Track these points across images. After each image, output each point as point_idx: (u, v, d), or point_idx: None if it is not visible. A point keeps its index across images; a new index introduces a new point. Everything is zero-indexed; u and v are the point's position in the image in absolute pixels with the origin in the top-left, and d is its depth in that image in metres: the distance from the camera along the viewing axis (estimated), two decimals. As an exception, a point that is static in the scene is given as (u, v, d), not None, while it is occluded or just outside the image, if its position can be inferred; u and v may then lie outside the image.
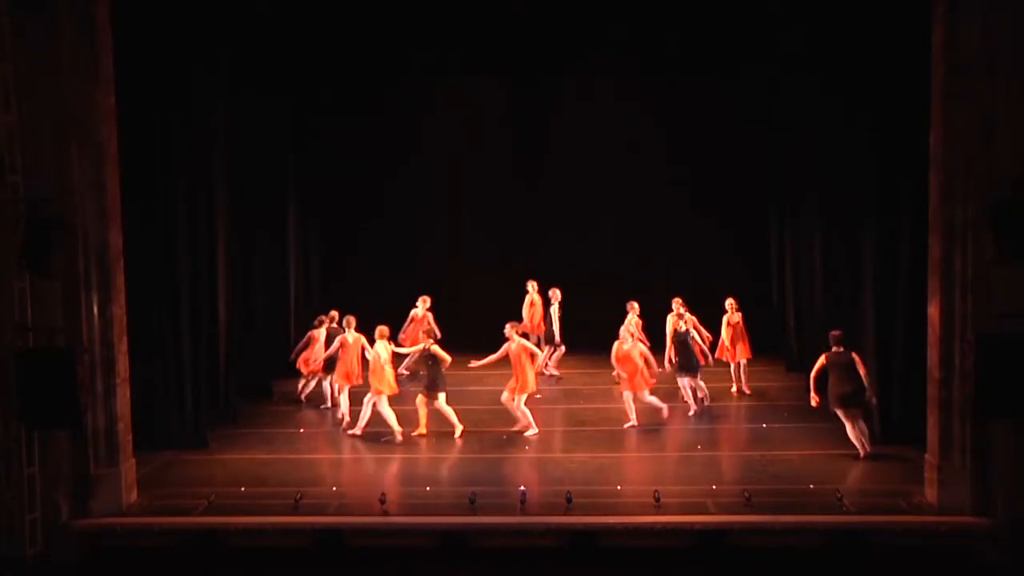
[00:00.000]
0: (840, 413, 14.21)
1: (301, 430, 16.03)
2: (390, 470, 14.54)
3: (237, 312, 16.98)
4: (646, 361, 15.71)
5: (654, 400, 15.87)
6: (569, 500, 12.50)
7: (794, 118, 18.34)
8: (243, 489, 13.35)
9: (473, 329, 18.94)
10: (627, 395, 15.80)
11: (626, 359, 15.65)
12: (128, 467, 12.92)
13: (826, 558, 11.84)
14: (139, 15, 13.42)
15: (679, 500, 12.73)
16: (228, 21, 15.40)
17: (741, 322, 17.53)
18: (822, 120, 16.67)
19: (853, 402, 14.13)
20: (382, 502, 12.52)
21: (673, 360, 16.61)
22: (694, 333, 16.55)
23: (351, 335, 16.11)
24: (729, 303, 17.56)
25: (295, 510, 12.57)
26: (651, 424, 15.92)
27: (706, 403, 16.80)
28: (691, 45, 18.36)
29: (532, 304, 18.96)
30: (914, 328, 13.42)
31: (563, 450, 15.02)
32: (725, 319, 17.51)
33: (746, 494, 12.60)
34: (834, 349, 14.25)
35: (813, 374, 14.42)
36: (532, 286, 19.08)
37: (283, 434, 15.89)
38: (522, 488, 12.80)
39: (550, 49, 18.69)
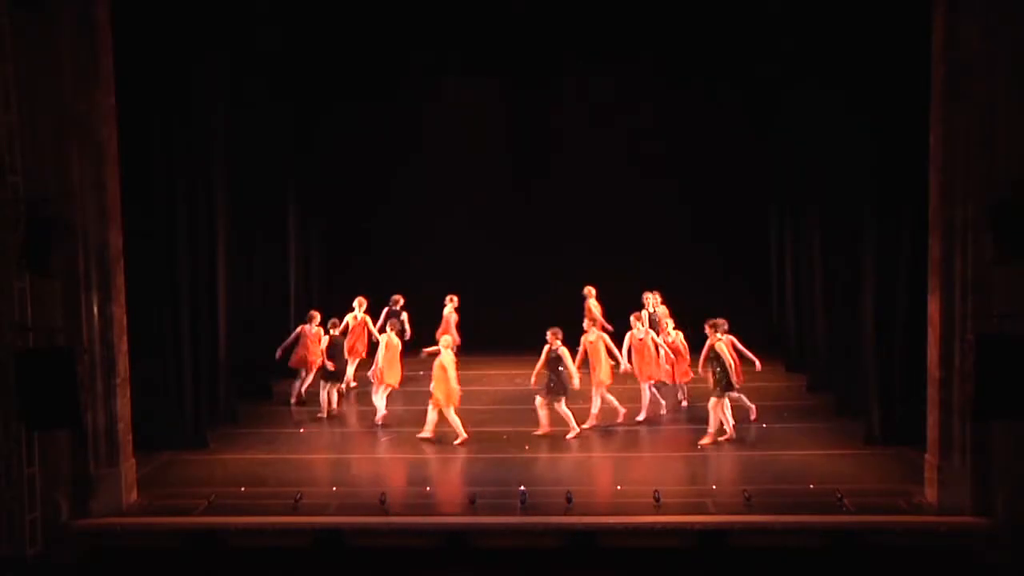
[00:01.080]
0: (730, 396, 14.91)
1: (301, 430, 16.03)
2: (390, 470, 14.53)
3: (237, 312, 16.98)
4: (446, 376, 14.89)
5: (456, 421, 15.06)
6: (569, 500, 12.50)
7: (794, 118, 18.32)
8: (243, 489, 13.34)
9: (472, 328, 19.02)
10: (449, 412, 15.01)
11: (437, 372, 15.01)
12: (128, 467, 12.92)
13: (826, 558, 11.84)
14: (139, 15, 13.42)
15: (679, 500, 12.73)
16: (228, 21, 15.41)
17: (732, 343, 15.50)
18: (822, 120, 16.66)
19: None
20: (382, 502, 12.53)
21: (536, 380, 15.43)
22: (566, 355, 15.10)
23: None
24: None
25: (295, 510, 12.57)
26: (651, 424, 15.93)
27: (640, 417, 16.05)
28: (691, 45, 18.35)
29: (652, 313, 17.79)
30: (914, 328, 13.42)
31: (563, 450, 15.01)
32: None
33: (746, 494, 12.61)
34: (722, 335, 14.86)
35: (704, 359, 14.93)
36: (654, 298, 17.76)
37: (283, 434, 15.89)
38: (522, 488, 12.80)
39: (550, 49, 18.71)
